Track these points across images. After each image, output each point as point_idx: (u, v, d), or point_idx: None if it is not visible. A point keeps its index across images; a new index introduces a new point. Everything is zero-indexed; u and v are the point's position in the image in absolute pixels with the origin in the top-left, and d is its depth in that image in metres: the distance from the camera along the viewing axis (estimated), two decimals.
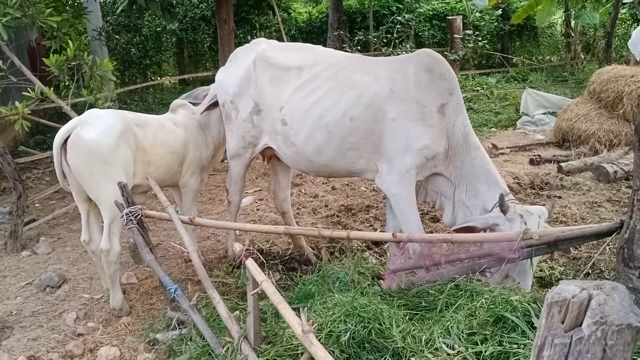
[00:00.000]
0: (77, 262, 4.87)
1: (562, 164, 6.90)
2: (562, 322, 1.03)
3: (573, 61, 13.76)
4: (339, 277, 3.12)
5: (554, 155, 7.52)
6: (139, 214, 3.28)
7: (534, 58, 17.22)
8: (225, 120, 4.24)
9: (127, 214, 3.25)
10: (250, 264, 2.35)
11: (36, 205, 6.43)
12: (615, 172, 6.35)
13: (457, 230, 3.10)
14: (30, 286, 4.42)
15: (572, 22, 15.10)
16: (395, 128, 3.42)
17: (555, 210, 5.54)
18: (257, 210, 6.14)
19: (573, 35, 15.05)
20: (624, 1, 12.36)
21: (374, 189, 6.60)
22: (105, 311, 3.97)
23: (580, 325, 1.00)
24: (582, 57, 15.67)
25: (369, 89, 3.52)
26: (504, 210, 3.05)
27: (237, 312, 2.60)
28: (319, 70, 3.69)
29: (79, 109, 6.33)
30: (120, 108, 9.31)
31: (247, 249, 2.39)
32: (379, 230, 5.24)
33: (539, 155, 7.52)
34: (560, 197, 5.99)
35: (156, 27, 12.12)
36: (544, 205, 3.32)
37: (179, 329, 3.29)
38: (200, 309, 3.13)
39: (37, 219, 5.77)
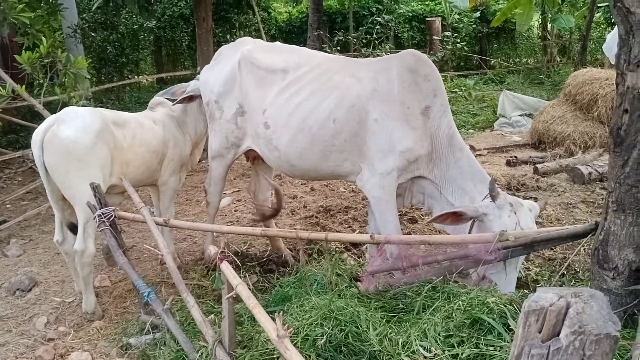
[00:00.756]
0: (49, 265, 4.75)
1: (538, 166, 6.98)
2: (540, 332, 1.01)
3: (549, 64, 13.94)
4: (316, 280, 3.08)
5: (530, 157, 7.61)
6: (111, 216, 3.20)
7: (511, 60, 17.44)
8: (208, 119, 4.19)
9: (99, 215, 3.16)
10: (225, 267, 2.30)
11: (7, 206, 6.26)
12: (590, 173, 6.44)
13: (446, 216, 3.05)
14: None
15: (549, 26, 15.35)
16: (377, 129, 3.37)
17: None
18: (235, 211, 6.07)
19: (549, 38, 15.27)
20: (598, 5, 12.58)
21: (353, 190, 6.59)
22: (77, 315, 3.87)
23: (558, 335, 0.98)
24: (558, 59, 15.90)
25: (351, 90, 3.46)
26: (493, 196, 2.98)
27: (212, 315, 2.55)
28: (302, 73, 3.64)
29: (53, 108, 6.19)
30: (96, 107, 9.15)
31: (222, 252, 2.34)
32: (357, 231, 5.23)
33: (515, 157, 7.60)
34: (536, 199, 6.04)
35: (133, 24, 11.94)
36: (536, 200, 3.29)
37: (153, 333, 3.22)
38: (175, 313, 3.06)
39: (8, 220, 5.61)
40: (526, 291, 3.77)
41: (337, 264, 3.29)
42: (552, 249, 4.40)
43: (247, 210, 6.10)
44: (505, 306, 2.45)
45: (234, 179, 7.39)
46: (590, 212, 5.62)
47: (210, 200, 4.35)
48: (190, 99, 4.34)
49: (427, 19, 10.72)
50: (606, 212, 2.53)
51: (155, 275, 4.40)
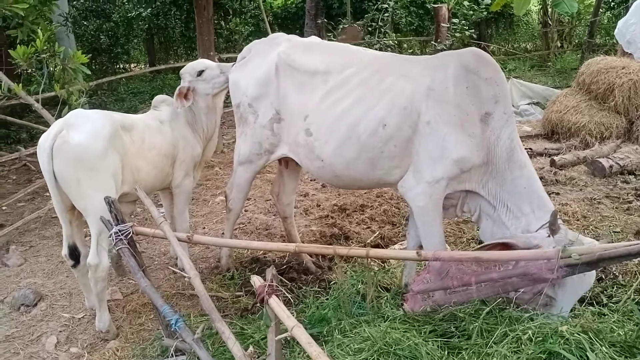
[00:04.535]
0: (54, 275, 4.45)
1: (555, 158, 6.76)
2: None
3: (558, 49, 13.65)
4: (356, 301, 2.83)
5: (546, 149, 7.38)
6: (129, 233, 2.91)
7: (509, 45, 17.18)
8: (238, 122, 3.88)
9: (116, 232, 2.87)
10: (276, 303, 2.03)
11: (3, 208, 5.93)
12: (611, 166, 6.23)
13: (493, 246, 2.81)
14: (1, 305, 3.99)
15: (549, 10, 15.08)
16: (429, 133, 3.06)
17: (556, 208, 5.37)
18: (245, 211, 5.78)
19: (550, 23, 15.00)
20: None
21: None
22: (90, 334, 3.59)
23: None
24: (558, 45, 15.66)
25: (404, 91, 3.15)
26: (554, 230, 2.71)
27: (251, 348, 2.28)
28: (349, 75, 3.31)
29: (47, 105, 5.85)
30: (90, 99, 8.75)
31: (269, 285, 2.07)
32: (377, 232, 4.99)
33: (530, 149, 7.36)
34: (558, 194, 5.83)
35: (126, 12, 11.49)
36: (598, 239, 2.93)
37: (176, 356, 2.96)
38: (204, 339, 2.79)
39: (6, 225, 5.29)
40: (589, 308, 3.37)
41: (376, 279, 3.04)
42: None
43: (258, 209, 5.83)
44: (580, 335, 2.23)
45: None
46: (616, 208, 5.41)
47: (232, 207, 4.05)
48: (186, 97, 3.99)
49: (432, 5, 10.37)
50: None
51: (170, 287, 4.12)
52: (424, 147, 3.09)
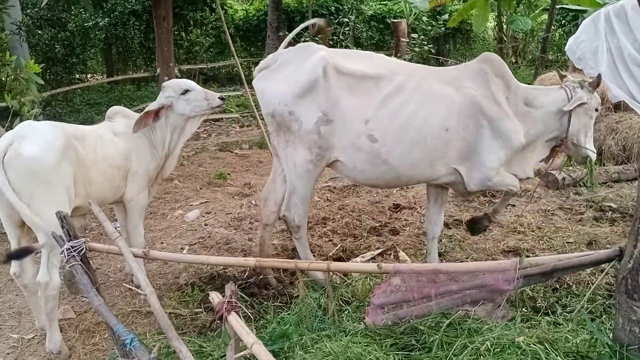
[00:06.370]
0: (2, 294, 4.24)
1: None
2: None
3: (512, 65, 14.11)
4: (317, 316, 2.80)
5: None
6: (82, 249, 2.80)
7: (466, 60, 17.63)
8: (277, 131, 3.74)
9: (68, 249, 2.76)
10: (235, 320, 1.99)
11: None
12: (564, 179, 6.44)
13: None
14: None
15: (505, 27, 15.59)
16: (487, 133, 3.66)
17: (511, 219, 5.53)
18: (205, 225, 5.69)
19: (505, 39, 15.49)
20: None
21: (327, 199, 6.33)
22: (40, 355, 3.43)
23: None
24: (513, 60, 16.18)
25: (454, 98, 3.63)
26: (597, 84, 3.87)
27: None
28: (401, 82, 3.61)
29: None
30: (43, 110, 8.48)
31: (228, 301, 2.03)
32: (339, 246, 4.98)
33: None
34: (513, 205, 5.97)
35: (83, 22, 11.21)
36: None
37: None
38: (161, 358, 2.71)
39: None
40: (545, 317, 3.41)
41: (337, 293, 3.03)
42: None
43: (218, 223, 5.74)
44: (536, 345, 2.27)
45: (200, 189, 6.99)
46: (569, 219, 5.58)
47: (300, 224, 3.89)
48: (156, 115, 3.90)
49: (392, 20, 10.57)
50: (636, 239, 2.37)
51: (126, 304, 3.99)
52: (484, 145, 3.68)
